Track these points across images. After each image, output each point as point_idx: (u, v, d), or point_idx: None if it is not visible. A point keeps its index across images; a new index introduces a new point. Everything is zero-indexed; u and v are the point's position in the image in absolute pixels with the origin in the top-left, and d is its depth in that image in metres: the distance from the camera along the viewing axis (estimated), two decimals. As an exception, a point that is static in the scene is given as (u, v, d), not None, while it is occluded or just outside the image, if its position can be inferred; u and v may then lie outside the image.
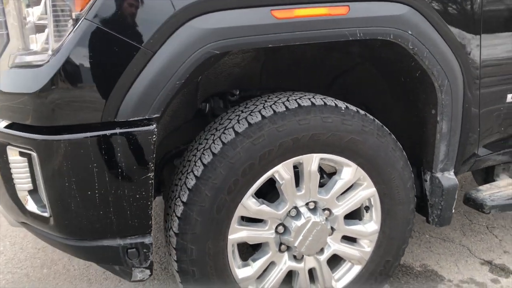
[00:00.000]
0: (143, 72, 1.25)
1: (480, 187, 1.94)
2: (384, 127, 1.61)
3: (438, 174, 1.73)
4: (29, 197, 1.43)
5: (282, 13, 1.33)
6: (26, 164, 1.38)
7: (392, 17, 1.44)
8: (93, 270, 2.18)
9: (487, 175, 2.06)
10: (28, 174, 1.39)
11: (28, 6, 1.32)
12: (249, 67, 1.80)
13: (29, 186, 1.41)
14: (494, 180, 2.03)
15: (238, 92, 1.86)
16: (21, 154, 1.37)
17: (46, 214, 1.39)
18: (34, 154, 1.31)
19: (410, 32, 1.47)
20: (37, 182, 1.40)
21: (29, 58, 1.29)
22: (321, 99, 1.52)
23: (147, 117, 1.28)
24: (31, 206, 1.43)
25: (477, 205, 1.85)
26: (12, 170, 1.40)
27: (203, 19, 1.26)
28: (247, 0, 1.30)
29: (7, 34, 1.37)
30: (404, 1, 1.45)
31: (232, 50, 1.32)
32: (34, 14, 1.30)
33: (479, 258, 2.22)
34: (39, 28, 1.30)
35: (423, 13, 1.49)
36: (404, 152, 1.66)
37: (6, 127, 1.39)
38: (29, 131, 1.31)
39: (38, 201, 1.42)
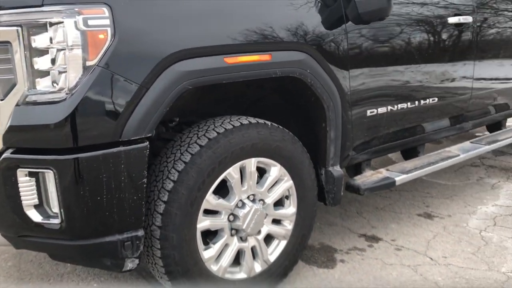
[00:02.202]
0: (141, 103, 1.70)
1: (355, 177, 2.73)
2: (295, 136, 2.27)
3: (330, 168, 2.44)
4: (34, 211, 1.73)
5: (231, 59, 1.91)
6: (34, 182, 1.69)
7: (297, 61, 2.13)
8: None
9: (357, 169, 2.86)
10: (35, 191, 1.70)
11: (35, 56, 1.66)
12: (188, 99, 2.31)
13: (35, 201, 1.71)
14: (361, 173, 2.84)
15: (177, 119, 2.36)
16: (30, 174, 1.68)
17: (56, 221, 1.70)
18: (50, 171, 1.64)
19: (308, 71, 2.18)
20: (44, 196, 1.72)
21: (44, 97, 1.63)
22: (254, 118, 2.12)
23: (143, 136, 1.73)
24: (36, 218, 1.73)
25: (355, 190, 2.62)
26: (20, 189, 1.69)
27: (181, 64, 1.77)
28: (208, 51, 1.85)
29: (14, 79, 1.68)
30: (303, 50, 2.15)
31: (200, 85, 1.85)
32: (41, 62, 1.65)
33: (356, 233, 3.01)
34: (45, 73, 1.66)
35: (315, 57, 2.20)
36: (308, 154, 2.33)
37: (13, 153, 1.69)
38: (46, 153, 1.64)
39: (43, 213, 1.73)
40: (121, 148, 1.69)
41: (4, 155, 1.69)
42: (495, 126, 3.94)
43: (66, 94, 1.62)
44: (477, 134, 4.58)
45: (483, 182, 3.92)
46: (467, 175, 4.09)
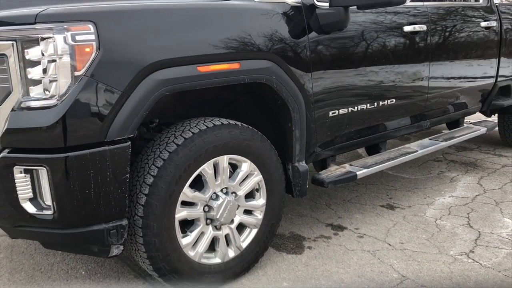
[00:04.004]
0: (123, 107, 1.94)
1: (320, 172, 3.01)
2: (263, 135, 2.52)
3: (296, 164, 2.70)
4: (29, 203, 1.95)
5: (203, 68, 2.15)
6: (29, 178, 1.92)
7: (264, 69, 2.38)
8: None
9: (323, 164, 3.14)
10: (30, 186, 1.93)
11: (28, 66, 1.88)
12: (166, 102, 2.55)
13: (30, 195, 1.94)
14: (327, 167, 3.11)
15: (157, 120, 2.59)
16: (25, 171, 1.91)
17: (49, 212, 1.93)
18: (43, 168, 1.87)
19: (274, 77, 2.43)
20: (38, 190, 1.94)
21: (37, 103, 1.86)
22: (226, 120, 2.37)
23: (126, 137, 1.97)
24: (31, 209, 1.95)
25: (320, 183, 2.89)
26: (17, 184, 1.92)
27: (158, 73, 2.01)
28: (182, 61, 2.09)
29: (10, 87, 1.90)
30: (269, 59, 2.40)
31: (176, 91, 2.09)
32: (34, 72, 1.88)
33: (324, 223, 3.29)
34: (37, 82, 1.89)
35: (280, 65, 2.46)
36: (275, 151, 2.59)
37: (10, 152, 1.91)
38: (39, 152, 1.87)
39: (37, 205, 1.96)
40: (106, 148, 1.93)
41: (1, 154, 1.91)
42: (454, 124, 4.25)
43: (57, 100, 1.85)
44: (443, 131, 4.92)
45: (443, 175, 4.24)
46: (429, 169, 4.41)
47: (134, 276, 2.61)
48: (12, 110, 1.89)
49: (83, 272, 2.65)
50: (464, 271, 2.61)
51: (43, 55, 1.84)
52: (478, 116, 4.88)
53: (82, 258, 2.80)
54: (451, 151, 4.97)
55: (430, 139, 3.81)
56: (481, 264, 2.68)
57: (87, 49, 1.86)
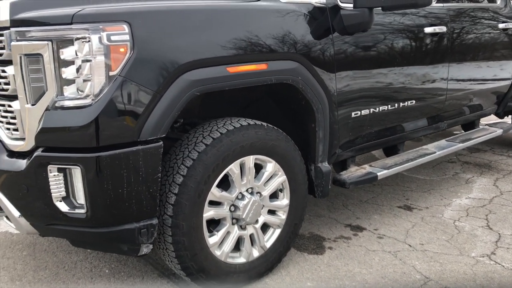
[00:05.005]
0: (156, 107, 1.95)
1: (341, 173, 3.02)
2: (288, 136, 2.53)
3: (319, 165, 2.71)
4: (62, 202, 1.97)
5: (233, 69, 2.17)
6: (62, 177, 1.94)
7: (290, 70, 2.40)
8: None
9: (342, 165, 3.15)
10: (63, 185, 1.94)
11: (63, 66, 1.90)
12: (193, 102, 2.56)
13: (63, 193, 1.96)
14: (347, 168, 3.12)
15: (182, 120, 2.61)
16: (59, 170, 1.92)
17: (82, 211, 1.95)
18: (77, 167, 1.89)
19: (299, 78, 2.44)
20: (70, 189, 1.96)
21: (71, 103, 1.87)
22: (252, 120, 2.38)
23: (158, 136, 1.98)
24: (64, 208, 1.97)
25: (341, 184, 2.90)
26: (50, 183, 1.93)
27: (190, 74, 2.03)
28: (213, 61, 2.11)
29: (45, 86, 1.91)
30: (295, 60, 2.42)
31: (206, 92, 2.10)
32: (68, 72, 1.89)
33: (342, 223, 3.30)
34: (71, 82, 1.90)
35: (305, 65, 2.47)
36: (299, 151, 2.60)
37: (44, 151, 1.93)
38: (73, 151, 1.88)
39: (69, 203, 1.97)
40: (140, 147, 1.94)
41: (36, 154, 1.93)
42: (469, 125, 4.26)
43: (92, 100, 1.86)
44: (454, 132, 4.92)
45: (458, 177, 4.24)
46: (444, 171, 4.42)
47: (157, 275, 2.62)
48: (47, 109, 1.90)
49: (107, 271, 2.67)
50: (487, 273, 2.61)
51: (78, 55, 1.86)
52: (489, 118, 4.88)
53: (104, 256, 2.81)
54: (464, 153, 4.97)
55: (447, 141, 3.82)
56: (503, 266, 2.69)
57: (122, 49, 1.87)
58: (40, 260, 2.78)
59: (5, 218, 2.24)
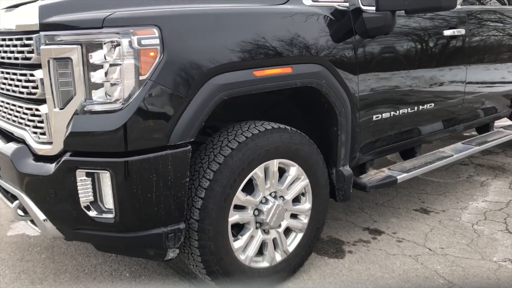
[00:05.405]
0: (185, 112, 1.94)
1: (361, 176, 3.00)
2: (311, 140, 2.52)
3: (341, 168, 2.70)
4: (90, 206, 1.96)
5: (259, 73, 2.15)
6: (90, 181, 1.92)
7: (315, 73, 2.39)
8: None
9: (361, 169, 3.13)
10: (91, 189, 1.93)
11: (92, 70, 1.89)
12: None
13: (91, 198, 1.94)
14: (366, 172, 3.11)
15: (204, 124, 2.59)
16: (87, 174, 1.91)
17: (110, 216, 1.94)
18: (106, 172, 1.87)
19: (323, 81, 2.43)
20: (99, 194, 1.95)
21: (101, 107, 1.86)
22: (276, 124, 2.37)
23: (187, 141, 1.97)
24: (91, 212, 1.96)
25: (362, 187, 2.89)
26: (79, 187, 1.92)
27: (218, 78, 2.02)
28: (240, 65, 2.09)
29: (73, 90, 1.90)
30: (319, 63, 2.41)
31: (233, 96, 2.09)
32: (97, 76, 1.88)
33: (360, 227, 3.28)
34: (100, 86, 1.89)
35: (329, 68, 2.45)
36: (322, 155, 2.59)
37: (72, 155, 1.92)
38: (102, 156, 1.87)
39: (97, 208, 1.96)
40: (169, 152, 1.93)
41: (64, 158, 1.91)
42: (483, 128, 4.24)
43: (122, 104, 1.85)
44: (464, 135, 4.91)
45: (472, 179, 4.23)
46: (457, 173, 4.40)
47: (178, 279, 2.61)
48: (75, 113, 1.89)
49: (127, 274, 2.65)
50: (511, 277, 2.60)
51: (107, 59, 1.84)
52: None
53: (124, 259, 2.80)
54: (477, 155, 4.95)
55: (463, 143, 3.80)
56: (526, 270, 2.68)
57: (152, 53, 1.86)
58: (59, 263, 2.77)
59: (29, 222, 2.23)
